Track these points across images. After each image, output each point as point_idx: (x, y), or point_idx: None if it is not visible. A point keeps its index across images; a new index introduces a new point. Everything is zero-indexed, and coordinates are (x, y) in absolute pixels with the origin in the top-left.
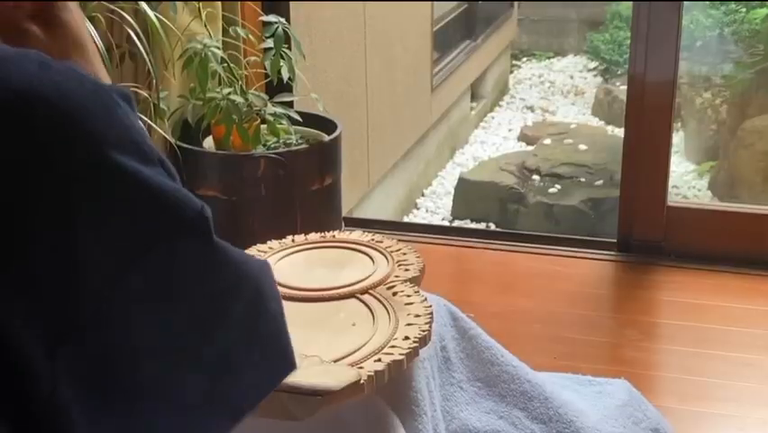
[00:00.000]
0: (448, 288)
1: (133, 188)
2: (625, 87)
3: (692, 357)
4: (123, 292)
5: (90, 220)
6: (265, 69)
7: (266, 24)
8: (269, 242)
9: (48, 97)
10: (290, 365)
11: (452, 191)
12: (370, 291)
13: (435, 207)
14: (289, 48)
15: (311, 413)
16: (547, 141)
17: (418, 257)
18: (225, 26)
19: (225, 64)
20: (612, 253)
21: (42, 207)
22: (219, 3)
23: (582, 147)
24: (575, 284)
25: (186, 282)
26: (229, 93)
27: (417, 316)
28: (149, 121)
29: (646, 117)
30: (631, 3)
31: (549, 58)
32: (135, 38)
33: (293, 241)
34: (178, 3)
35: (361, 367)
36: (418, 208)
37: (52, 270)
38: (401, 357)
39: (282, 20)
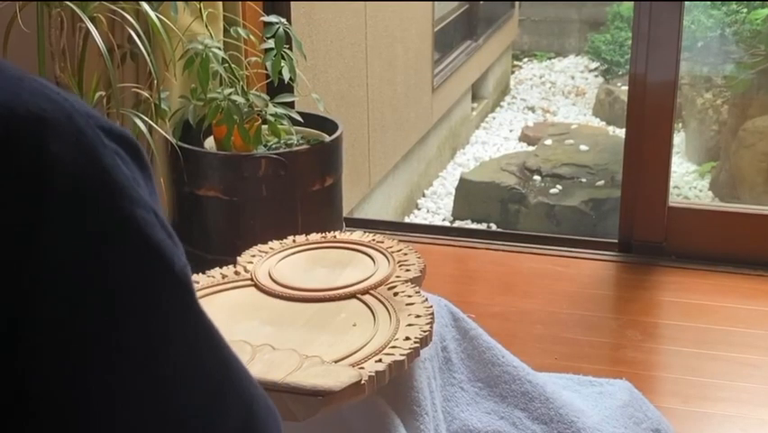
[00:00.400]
0: (449, 288)
1: (117, 226)
2: (626, 88)
3: (693, 358)
4: (99, 348)
5: (60, 250)
6: (266, 69)
7: (267, 25)
8: (270, 242)
9: (24, 119)
10: None
11: (453, 192)
12: (371, 292)
13: (436, 207)
14: (290, 48)
15: (312, 413)
16: (548, 141)
17: (419, 257)
18: (226, 27)
19: (226, 64)
20: (613, 253)
21: (9, 226)
22: (220, 3)
23: (583, 147)
24: (576, 285)
25: (164, 342)
26: (230, 93)
27: (418, 316)
28: (150, 121)
29: (647, 118)
30: (632, 3)
31: (550, 58)
32: (136, 38)
33: (294, 241)
34: (179, 3)
35: (361, 368)
36: (419, 209)
37: (13, 294)
38: (402, 358)
39: (283, 20)
